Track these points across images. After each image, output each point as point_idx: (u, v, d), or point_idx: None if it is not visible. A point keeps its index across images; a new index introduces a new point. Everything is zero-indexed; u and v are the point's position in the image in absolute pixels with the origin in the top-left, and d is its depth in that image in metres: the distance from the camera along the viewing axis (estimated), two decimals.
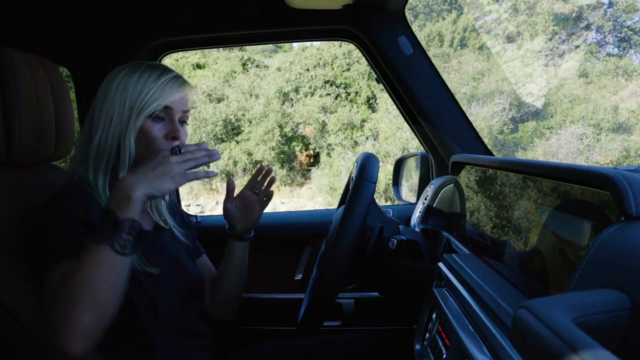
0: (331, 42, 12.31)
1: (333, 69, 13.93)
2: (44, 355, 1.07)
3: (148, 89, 1.16)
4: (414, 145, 10.56)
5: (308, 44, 14.82)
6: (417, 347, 1.10)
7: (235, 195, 1.40)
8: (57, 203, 1.12)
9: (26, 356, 1.08)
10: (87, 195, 1.15)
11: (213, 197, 13.24)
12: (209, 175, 1.12)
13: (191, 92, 1.25)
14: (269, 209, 1.56)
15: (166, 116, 1.19)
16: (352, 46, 2.06)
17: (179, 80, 1.20)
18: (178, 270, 1.27)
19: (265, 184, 1.39)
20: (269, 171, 1.39)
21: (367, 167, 1.20)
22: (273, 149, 13.25)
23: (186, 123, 1.25)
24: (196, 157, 1.08)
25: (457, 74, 12.94)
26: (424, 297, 1.16)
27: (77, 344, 0.91)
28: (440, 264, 1.17)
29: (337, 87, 13.77)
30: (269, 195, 1.40)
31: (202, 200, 12.98)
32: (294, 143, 13.53)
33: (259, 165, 1.39)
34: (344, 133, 12.93)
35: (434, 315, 1.05)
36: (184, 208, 1.34)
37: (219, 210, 12.19)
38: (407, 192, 2.25)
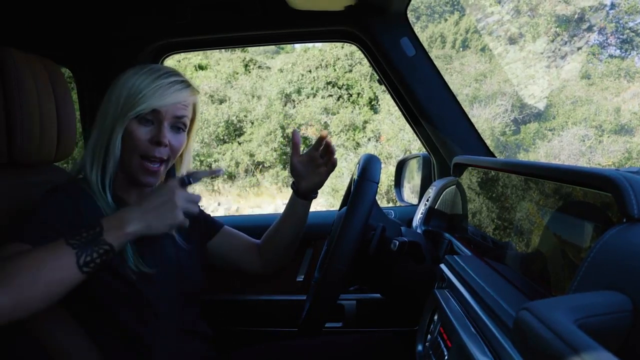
0: (333, 43, 12.32)
1: (335, 70, 13.93)
2: (44, 356, 1.08)
3: (140, 89, 1.15)
4: (416, 146, 10.55)
5: (310, 45, 14.82)
6: (419, 348, 1.10)
7: (302, 152, 1.42)
8: (52, 194, 1.13)
9: (26, 356, 1.08)
10: (84, 195, 1.15)
11: (215, 198, 13.24)
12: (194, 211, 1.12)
13: (191, 99, 1.23)
14: (270, 210, 1.56)
15: (154, 120, 1.18)
16: (354, 47, 2.06)
17: (176, 86, 1.18)
18: (177, 272, 1.27)
19: (325, 149, 1.40)
20: (324, 136, 1.40)
21: (369, 167, 1.20)
22: (275, 150, 13.25)
23: (182, 130, 1.24)
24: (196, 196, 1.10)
25: (459, 75, 12.93)
26: (426, 298, 1.15)
27: None
28: (442, 266, 1.17)
29: (339, 88, 13.77)
30: (332, 163, 1.41)
31: (204, 202, 13.00)
32: None
33: (320, 133, 1.40)
34: (346, 134, 12.93)
35: (435, 317, 1.05)
36: None
37: (220, 212, 12.20)
38: (409, 194, 2.25)
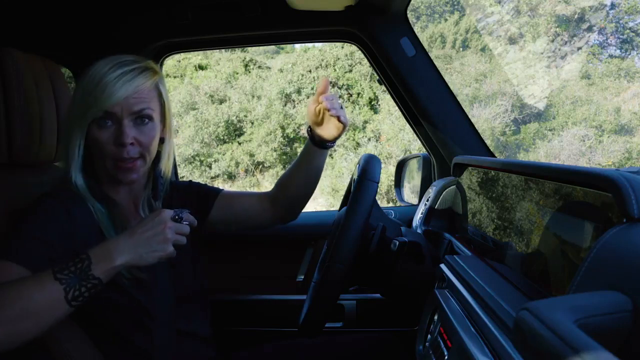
0: (333, 43, 12.31)
1: (335, 70, 13.90)
2: (45, 356, 1.07)
3: (89, 91, 1.10)
4: (416, 146, 10.54)
5: (310, 45, 14.80)
6: (419, 348, 1.10)
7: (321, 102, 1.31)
8: (42, 201, 1.10)
9: (27, 356, 1.08)
10: (76, 199, 1.14)
11: None
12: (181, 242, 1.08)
13: (146, 85, 1.16)
14: None
15: (112, 120, 1.13)
16: (354, 47, 2.06)
17: (124, 78, 1.11)
18: (172, 274, 1.26)
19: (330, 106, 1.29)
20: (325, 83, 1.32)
21: (369, 167, 1.20)
22: (275, 150, 13.23)
23: (148, 121, 1.17)
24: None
25: (460, 75, 12.91)
26: (426, 298, 1.15)
27: None
28: (442, 266, 1.17)
29: (339, 88, 13.75)
30: (342, 122, 1.31)
31: None
32: (296, 144, 13.52)
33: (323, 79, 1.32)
34: (346, 134, 12.89)
35: (435, 317, 1.05)
36: None
37: None
38: (409, 194, 2.25)
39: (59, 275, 0.93)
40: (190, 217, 1.10)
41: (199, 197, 1.44)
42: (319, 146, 1.37)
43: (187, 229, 1.08)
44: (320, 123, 1.34)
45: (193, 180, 1.50)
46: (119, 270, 1.00)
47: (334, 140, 1.36)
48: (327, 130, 1.34)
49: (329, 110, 1.28)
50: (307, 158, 1.40)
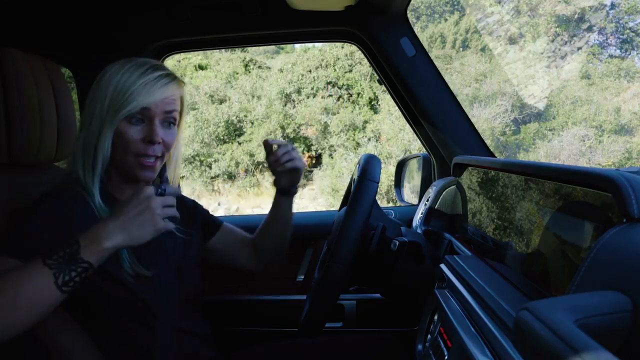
0: (333, 43, 12.31)
1: (335, 70, 13.90)
2: (45, 356, 1.07)
3: (126, 88, 1.13)
4: (416, 146, 10.54)
5: (310, 45, 14.80)
6: (419, 348, 1.10)
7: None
8: (44, 200, 1.10)
9: (28, 356, 1.08)
10: (78, 199, 1.13)
11: (215, 198, 13.22)
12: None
13: (178, 92, 1.21)
14: None
15: (145, 118, 1.16)
16: (354, 47, 2.07)
17: (162, 80, 1.16)
18: (177, 271, 1.26)
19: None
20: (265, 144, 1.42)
21: (369, 167, 1.20)
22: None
23: (173, 124, 1.22)
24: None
25: (460, 75, 12.91)
26: (426, 298, 1.15)
27: None
28: (442, 266, 1.17)
29: (339, 88, 13.75)
30: (293, 165, 1.41)
31: (204, 202, 12.98)
32: (296, 144, 13.53)
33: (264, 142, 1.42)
34: (346, 134, 12.91)
35: (435, 317, 1.05)
36: None
37: (220, 212, 12.18)
38: (409, 194, 2.25)
39: (48, 261, 0.94)
40: (172, 188, 1.11)
41: (204, 221, 1.49)
42: (286, 194, 1.48)
43: (173, 200, 1.09)
44: (279, 172, 1.43)
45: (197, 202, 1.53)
46: (110, 253, 1.00)
47: (296, 187, 1.48)
48: (288, 176, 1.44)
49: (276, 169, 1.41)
50: (277, 209, 1.50)
